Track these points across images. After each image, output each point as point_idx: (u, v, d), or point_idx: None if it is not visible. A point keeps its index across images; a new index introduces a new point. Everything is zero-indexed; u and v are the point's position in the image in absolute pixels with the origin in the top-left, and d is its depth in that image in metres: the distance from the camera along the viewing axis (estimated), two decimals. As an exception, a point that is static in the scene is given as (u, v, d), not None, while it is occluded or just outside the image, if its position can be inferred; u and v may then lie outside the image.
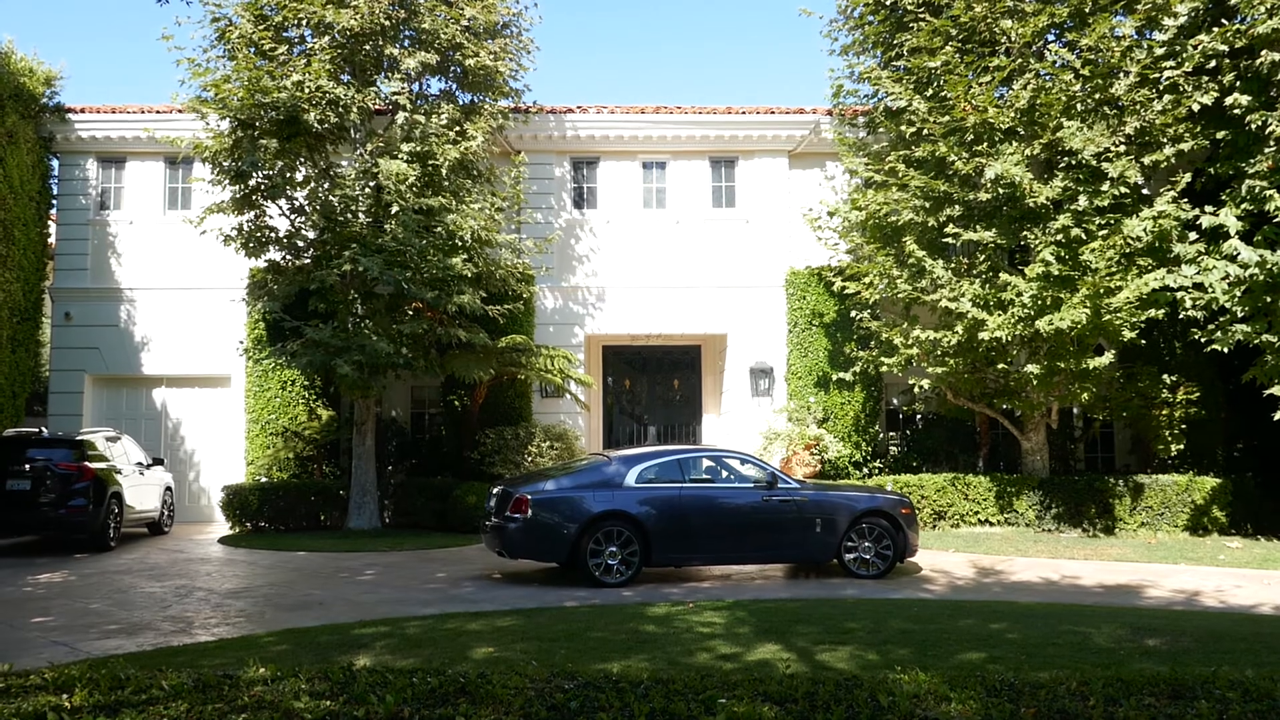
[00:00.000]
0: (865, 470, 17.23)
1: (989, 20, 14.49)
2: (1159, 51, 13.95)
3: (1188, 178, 14.33)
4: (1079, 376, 14.34)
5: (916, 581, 10.95)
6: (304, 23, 14.75)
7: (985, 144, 14.22)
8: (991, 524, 15.41)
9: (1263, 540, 14.52)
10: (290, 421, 16.87)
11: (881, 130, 16.22)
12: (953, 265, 14.97)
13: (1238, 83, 13.81)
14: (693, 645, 6.91)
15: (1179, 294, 13.91)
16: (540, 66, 54.22)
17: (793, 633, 7.36)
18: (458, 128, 15.54)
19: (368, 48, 15.11)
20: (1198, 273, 13.73)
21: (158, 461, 15.85)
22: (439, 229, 14.78)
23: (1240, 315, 13.72)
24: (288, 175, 15.08)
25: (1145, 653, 6.61)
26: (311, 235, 15.46)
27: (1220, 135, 14.16)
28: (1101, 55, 14.11)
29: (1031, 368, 14.06)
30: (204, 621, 8.47)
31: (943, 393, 16.03)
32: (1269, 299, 13.41)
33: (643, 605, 8.91)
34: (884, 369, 15.81)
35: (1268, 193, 13.40)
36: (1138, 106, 13.89)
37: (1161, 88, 14.01)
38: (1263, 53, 13.37)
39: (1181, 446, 15.78)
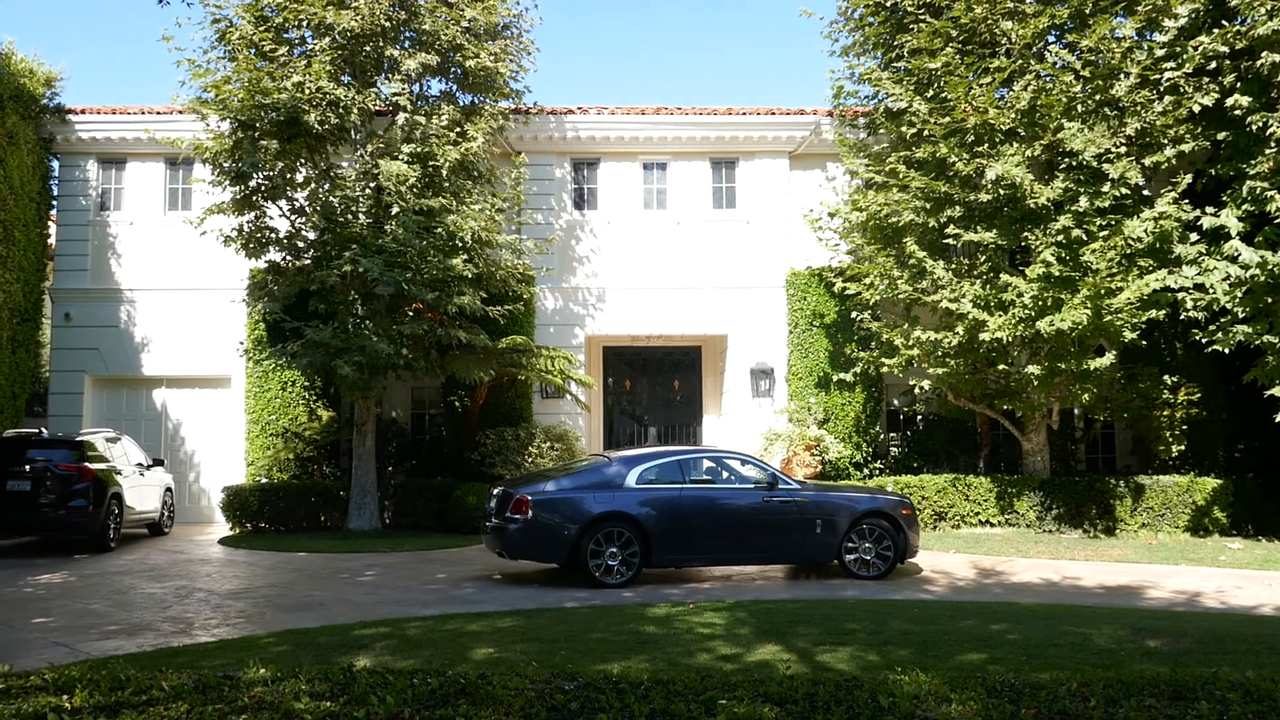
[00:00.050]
0: (866, 471, 17.22)
1: (989, 21, 14.49)
2: (1159, 53, 13.95)
3: (1188, 179, 14.33)
4: (1080, 377, 14.34)
5: (917, 582, 10.94)
6: (304, 24, 14.76)
7: (986, 145, 14.22)
8: (992, 525, 15.41)
9: (1264, 541, 14.51)
10: (290, 422, 16.87)
11: (882, 131, 16.22)
12: (953, 266, 14.97)
13: (1238, 84, 13.81)
14: (693, 646, 6.90)
15: (1180, 295, 13.92)
16: (541, 68, 54.23)
17: (793, 634, 7.35)
18: (458, 129, 15.54)
19: (368, 49, 15.11)
20: (1199, 274, 13.73)
21: (158, 462, 15.84)
22: (439, 230, 14.79)
23: (1241, 316, 13.73)
24: (288, 176, 15.08)
25: (1146, 654, 6.60)
26: (312, 236, 15.46)
27: (1221, 136, 14.16)
28: (1102, 56, 14.11)
29: (1032, 369, 14.06)
30: (204, 622, 8.47)
31: (943, 393, 16.02)
32: (1270, 300, 13.42)
33: (643, 606, 8.90)
34: (885, 370, 15.82)
35: (1268, 194, 13.40)
36: (1138, 108, 13.89)
37: (1162, 89, 14.01)
38: (1263, 54, 13.37)
39: (1182, 447, 15.78)
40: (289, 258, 15.71)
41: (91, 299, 18.07)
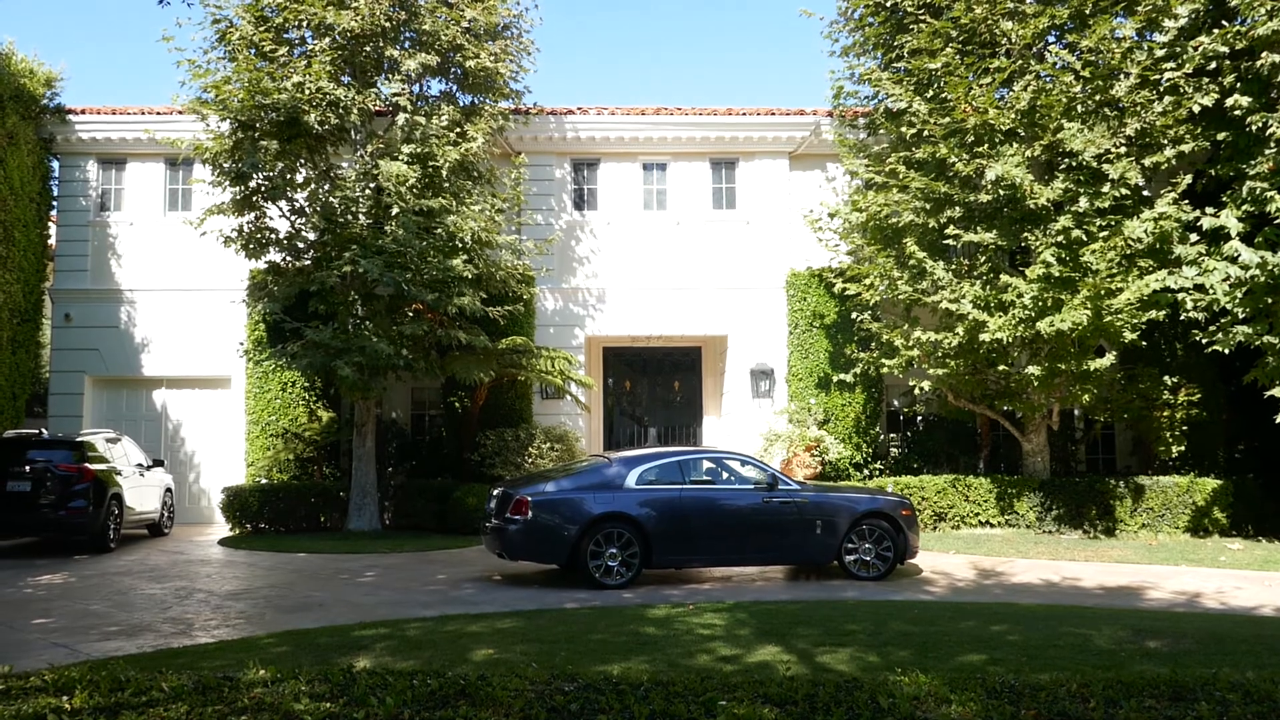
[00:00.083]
0: (866, 472, 17.22)
1: (989, 22, 14.49)
2: (1159, 53, 13.95)
3: (1188, 179, 14.32)
4: (1080, 378, 14.33)
5: (917, 583, 10.94)
6: (304, 24, 14.76)
7: (986, 145, 14.22)
8: (992, 525, 15.41)
9: (1264, 542, 14.51)
10: (290, 423, 16.87)
11: (882, 132, 16.22)
12: (953, 267, 14.97)
13: (1238, 84, 13.81)
14: (693, 647, 6.90)
15: (1180, 295, 13.91)
16: (541, 68, 54.25)
17: (793, 634, 7.35)
18: (458, 129, 15.54)
19: (368, 49, 15.11)
20: (1199, 274, 13.73)
21: (158, 463, 15.84)
22: (439, 230, 14.78)
23: (1241, 317, 13.73)
24: (288, 177, 15.08)
25: (1146, 654, 6.60)
26: (312, 237, 15.45)
27: (1221, 137, 14.16)
28: (1102, 57, 14.11)
29: (1032, 369, 14.06)
30: (204, 623, 8.47)
31: (943, 394, 16.02)
32: (1270, 300, 13.41)
33: (643, 607, 8.90)
34: (885, 370, 15.81)
35: (1268, 194, 13.40)
36: (1138, 108, 13.89)
37: (1162, 89, 14.01)
38: (1263, 54, 13.37)
39: (1182, 448, 15.77)
40: (289, 258, 15.70)
41: (91, 299, 18.07)
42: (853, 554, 11.03)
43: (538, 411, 17.52)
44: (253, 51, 14.75)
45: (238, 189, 14.99)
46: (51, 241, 18.75)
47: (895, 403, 18.39)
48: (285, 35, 15.03)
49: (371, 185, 14.90)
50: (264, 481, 16.54)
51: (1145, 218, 13.73)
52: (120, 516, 14.02)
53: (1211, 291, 13.62)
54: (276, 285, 15.57)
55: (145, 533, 15.77)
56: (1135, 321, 13.67)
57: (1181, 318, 14.43)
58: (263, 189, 15.04)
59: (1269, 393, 13.86)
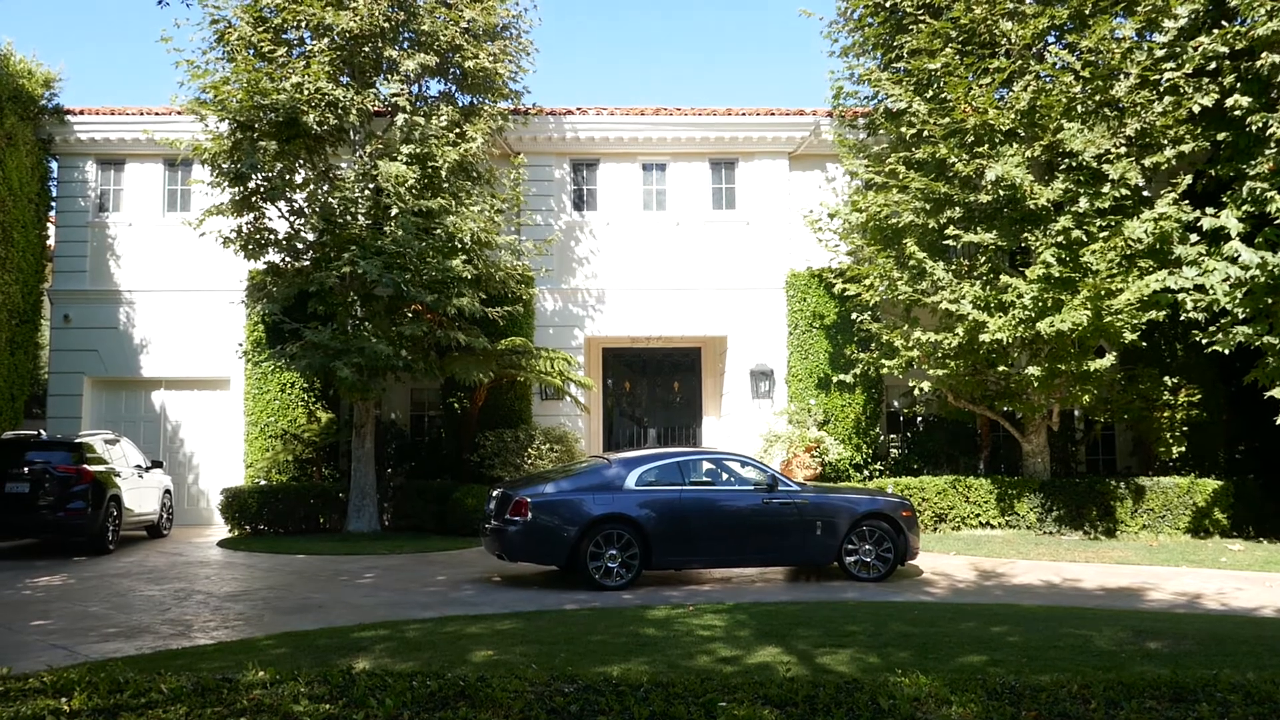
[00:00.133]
0: (866, 472, 17.21)
1: (989, 22, 14.49)
2: (1159, 53, 13.94)
3: (1188, 179, 14.32)
4: (1080, 378, 14.33)
5: (917, 584, 10.92)
6: (303, 24, 14.75)
7: (986, 146, 14.22)
8: (992, 526, 15.40)
9: (1264, 542, 14.50)
10: (289, 424, 16.85)
11: (882, 132, 16.21)
12: (953, 267, 14.96)
13: (1238, 84, 13.80)
14: (693, 648, 6.89)
15: (1180, 296, 13.91)
16: (540, 68, 54.33)
17: (793, 636, 7.34)
18: (457, 129, 15.53)
19: (367, 49, 15.10)
20: (1199, 274, 13.72)
21: (157, 464, 15.82)
22: (438, 231, 14.77)
23: (1241, 317, 13.72)
24: (287, 177, 15.07)
25: (1147, 655, 6.59)
26: (311, 237, 15.44)
27: (1221, 137, 14.15)
28: (1102, 57, 14.11)
29: (1032, 370, 14.05)
30: (203, 625, 8.45)
31: (943, 395, 16.01)
32: (1270, 301, 13.41)
33: (643, 608, 8.89)
34: (884, 371, 15.80)
35: (1269, 194, 13.39)
36: (1138, 108, 13.88)
37: (1162, 89, 14.00)
38: (1263, 54, 13.36)
39: (1183, 449, 15.76)
40: (288, 259, 15.69)
41: (90, 300, 18.06)
42: (853, 555, 11.02)
43: (537, 412, 17.51)
44: (251, 52, 14.74)
45: (236, 189, 14.98)
46: (50, 242, 18.73)
47: (895, 403, 18.38)
48: (284, 36, 15.02)
49: (370, 186, 14.89)
50: (263, 483, 16.52)
51: (1145, 218, 13.72)
52: (119, 518, 14.00)
53: (1212, 292, 13.62)
54: (275, 286, 15.55)
55: (144, 534, 15.75)
56: (1135, 322, 13.67)
57: (1182, 318, 14.42)
58: (261, 189, 15.03)
59: (1269, 393, 13.85)
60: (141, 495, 14.94)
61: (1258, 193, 13.52)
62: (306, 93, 14.19)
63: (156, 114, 17.83)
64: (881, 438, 17.82)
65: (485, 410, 17.03)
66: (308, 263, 15.46)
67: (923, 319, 15.69)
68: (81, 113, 17.96)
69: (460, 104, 16.14)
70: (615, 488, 10.58)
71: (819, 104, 19.80)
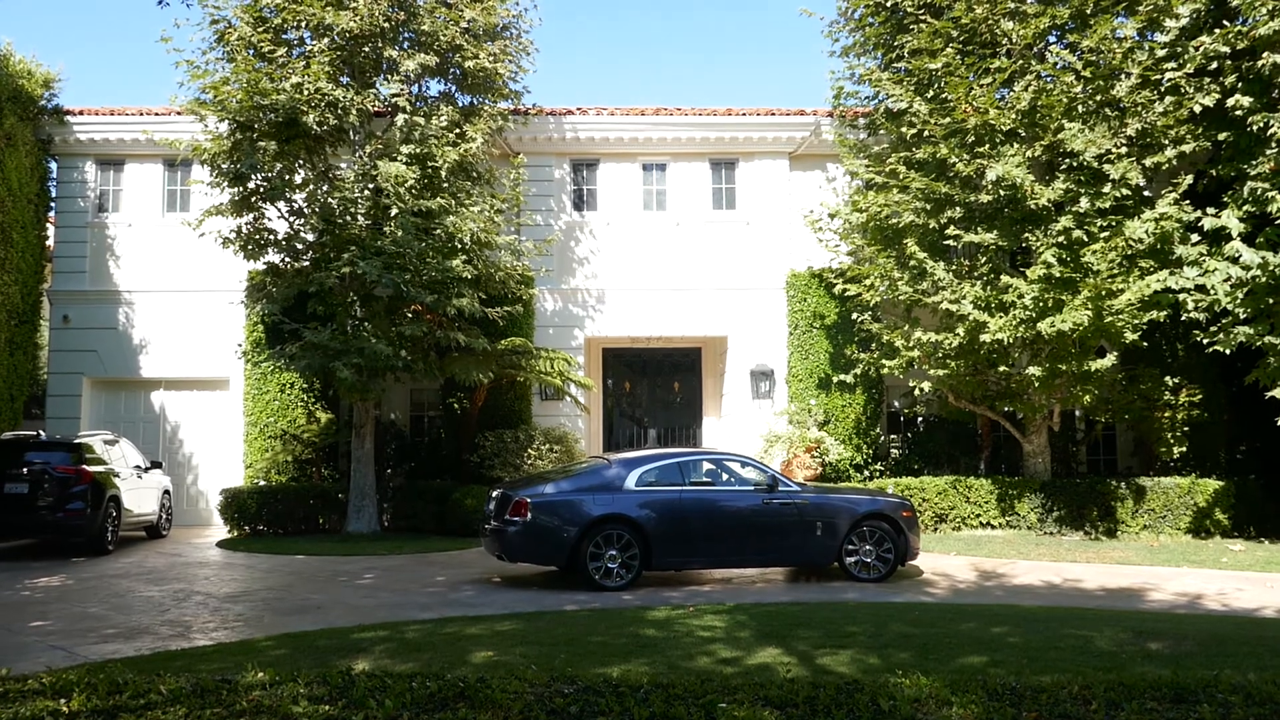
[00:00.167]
0: (866, 473, 17.20)
1: (990, 22, 14.48)
2: (1160, 53, 13.93)
3: (1189, 179, 14.31)
4: (1081, 379, 14.31)
5: (918, 585, 10.91)
6: (303, 25, 14.74)
7: (986, 146, 14.20)
8: (993, 527, 15.38)
9: (1265, 543, 14.49)
10: (289, 424, 16.84)
11: (882, 132, 16.20)
12: (954, 267, 14.95)
13: (1239, 84, 13.79)
14: (693, 649, 6.88)
15: (1181, 296, 13.90)
16: (540, 68, 54.32)
17: (793, 636, 7.32)
18: (457, 130, 15.52)
19: (367, 50, 15.09)
20: (1200, 274, 13.72)
21: (156, 465, 15.81)
22: (438, 231, 14.76)
23: (1242, 317, 13.71)
24: (286, 177, 15.06)
25: (1147, 656, 6.57)
26: (310, 238, 15.43)
27: (1222, 137, 14.14)
28: (1103, 57, 14.10)
29: (1033, 370, 14.04)
30: (202, 626, 8.44)
31: (944, 395, 16.01)
32: (1271, 301, 13.40)
33: (643, 609, 8.87)
34: (885, 371, 15.79)
35: (1270, 194, 13.38)
36: (1139, 108, 13.87)
37: (1163, 89, 13.99)
38: (1264, 54, 13.35)
39: (1184, 449, 15.75)
40: (287, 259, 15.67)
41: (90, 301, 18.05)
42: (853, 555, 11.00)
43: (537, 413, 17.50)
44: (251, 52, 14.73)
45: (236, 190, 14.96)
46: (50, 243, 18.73)
47: (896, 404, 18.37)
48: (284, 36, 15.01)
49: (370, 186, 14.88)
50: (262, 483, 16.51)
51: (1146, 218, 13.71)
52: (118, 518, 13.99)
53: (1213, 292, 13.61)
54: (275, 286, 15.54)
55: (143, 535, 15.74)
56: (1136, 322, 13.66)
57: (1183, 318, 14.41)
58: (261, 190, 15.01)
59: (1270, 393, 13.84)
60: (141, 496, 14.93)
61: (1259, 193, 13.51)
62: (306, 93, 14.18)
63: (156, 114, 17.82)
64: (882, 438, 17.81)
65: (485, 411, 17.02)
66: (307, 263, 15.44)
67: (923, 319, 15.67)
68: (81, 113, 17.95)
69: (460, 104, 16.13)
70: (615, 488, 10.57)
71: (819, 104, 19.81)
